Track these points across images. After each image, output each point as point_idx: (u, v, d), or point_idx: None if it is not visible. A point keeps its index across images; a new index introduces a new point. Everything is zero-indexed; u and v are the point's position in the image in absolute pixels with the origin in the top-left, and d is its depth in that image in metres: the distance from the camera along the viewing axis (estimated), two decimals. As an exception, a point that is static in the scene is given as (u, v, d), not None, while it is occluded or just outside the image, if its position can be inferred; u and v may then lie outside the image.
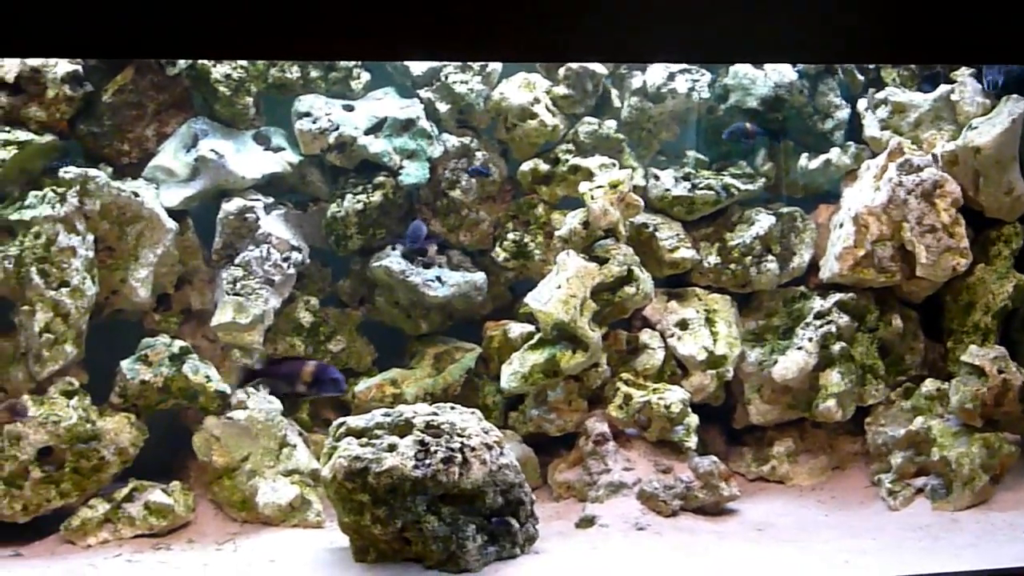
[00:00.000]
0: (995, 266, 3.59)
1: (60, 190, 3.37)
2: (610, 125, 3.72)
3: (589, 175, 3.62)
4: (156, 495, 3.30)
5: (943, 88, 3.66)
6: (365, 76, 3.68)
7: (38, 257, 3.27)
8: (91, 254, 3.37)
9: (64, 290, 3.30)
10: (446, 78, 3.66)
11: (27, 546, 3.22)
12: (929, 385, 3.56)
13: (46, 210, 3.31)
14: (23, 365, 3.32)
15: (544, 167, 3.68)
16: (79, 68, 3.46)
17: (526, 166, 3.68)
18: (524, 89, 3.65)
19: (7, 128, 3.44)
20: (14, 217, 3.31)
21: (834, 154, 3.71)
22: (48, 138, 3.44)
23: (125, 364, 3.37)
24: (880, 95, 3.76)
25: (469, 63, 3.63)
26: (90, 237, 3.38)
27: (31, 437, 3.21)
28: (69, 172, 3.38)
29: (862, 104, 3.78)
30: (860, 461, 3.69)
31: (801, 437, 3.72)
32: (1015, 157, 3.51)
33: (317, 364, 3.01)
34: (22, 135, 3.40)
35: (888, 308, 3.71)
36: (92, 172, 3.39)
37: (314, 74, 3.63)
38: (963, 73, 3.65)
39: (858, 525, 3.32)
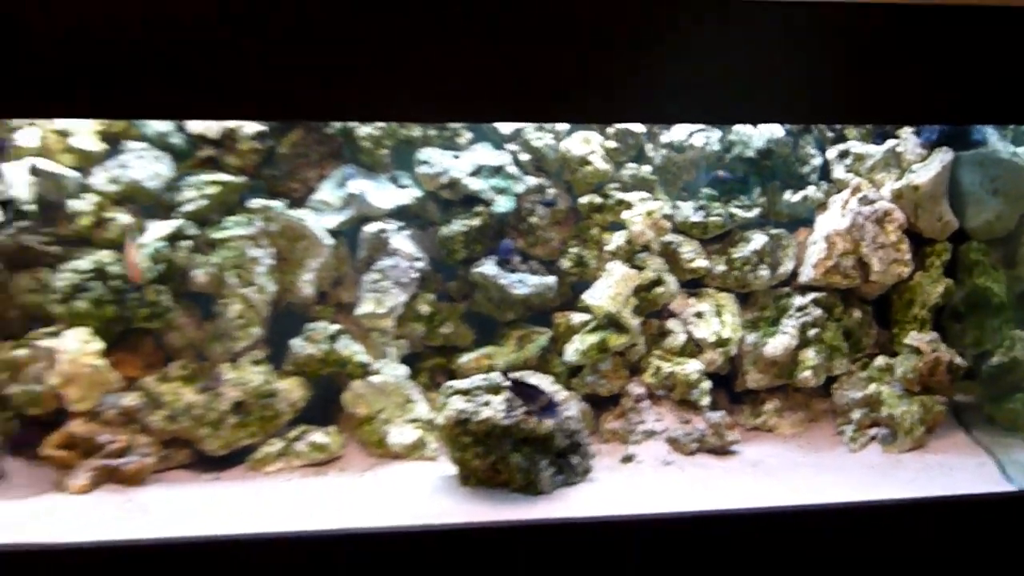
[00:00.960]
0: (930, 273, 3.64)
1: (249, 216, 3.47)
2: (646, 170, 3.76)
3: (630, 206, 3.67)
4: (317, 436, 3.41)
5: (891, 142, 3.70)
6: (468, 134, 3.71)
7: (233, 264, 3.40)
8: (271, 262, 3.48)
9: (251, 288, 3.42)
10: (526, 135, 3.70)
11: (223, 472, 3.33)
12: (880, 361, 3.63)
13: (239, 231, 3.43)
14: (222, 343, 3.43)
15: (598, 200, 3.71)
16: (264, 128, 3.53)
17: (584, 199, 3.72)
18: (583, 143, 3.68)
19: (212, 172, 3.52)
20: (216, 235, 3.43)
21: (810, 191, 3.76)
22: (241, 179, 3.53)
23: (295, 341, 3.49)
24: (844, 147, 3.80)
25: (543, 125, 3.67)
26: (270, 250, 3.49)
27: (228, 395, 3.34)
28: (255, 204, 3.49)
29: (831, 154, 3.82)
30: (828, 416, 3.72)
31: (785, 398, 3.74)
32: (945, 193, 3.57)
33: (552, 399, 3.05)
34: (223, 177, 3.50)
35: (850, 304, 3.76)
36: (272, 203, 3.50)
37: (431, 133, 3.67)
38: (906, 131, 3.69)
39: (827, 464, 3.39)
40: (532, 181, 3.74)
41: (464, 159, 3.67)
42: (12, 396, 3.24)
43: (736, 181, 3.77)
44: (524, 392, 3.12)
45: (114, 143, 3.51)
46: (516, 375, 3.20)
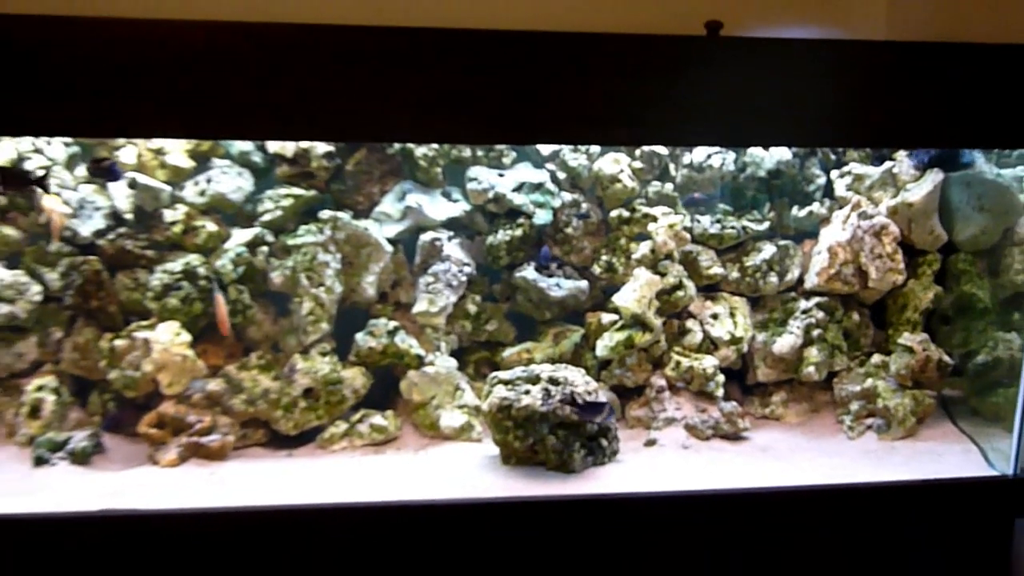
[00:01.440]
0: (921, 281, 3.64)
1: (319, 225, 3.51)
2: (668, 187, 3.78)
3: (655, 219, 3.68)
4: (377, 419, 3.45)
5: (888, 163, 3.70)
6: (512, 155, 3.73)
7: (305, 267, 3.44)
8: (338, 266, 3.52)
9: (321, 288, 3.46)
10: (563, 156, 3.71)
11: (295, 450, 3.38)
12: (876, 358, 3.64)
13: (310, 238, 3.48)
14: (295, 336, 3.47)
15: (626, 214, 3.72)
16: (332, 149, 3.56)
17: (614, 213, 3.73)
18: (613, 163, 3.69)
19: (287, 186, 3.58)
20: (290, 242, 3.48)
21: (815, 207, 3.76)
22: (312, 193, 3.58)
23: (359, 336, 3.53)
24: (846, 168, 3.78)
25: (578, 147, 3.68)
26: (338, 255, 3.53)
27: (299, 381, 3.38)
28: (325, 214, 3.54)
29: (834, 174, 3.80)
30: (830, 407, 3.71)
31: (791, 390, 3.74)
32: (935, 210, 3.57)
33: (610, 408, 3.09)
34: (296, 191, 3.56)
35: (849, 307, 3.76)
36: (339, 214, 3.54)
37: (479, 153, 3.69)
38: (901, 154, 3.69)
39: (829, 449, 3.40)
40: (568, 197, 3.77)
41: (508, 177, 3.70)
42: (112, 381, 3.34)
43: (708, 201, 3.75)
44: (591, 406, 3.15)
45: (202, 160, 3.60)
46: (588, 396, 3.21)
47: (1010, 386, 3.28)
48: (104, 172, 3.29)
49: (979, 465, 3.18)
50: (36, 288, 3.39)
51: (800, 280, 3.82)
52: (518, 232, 3.69)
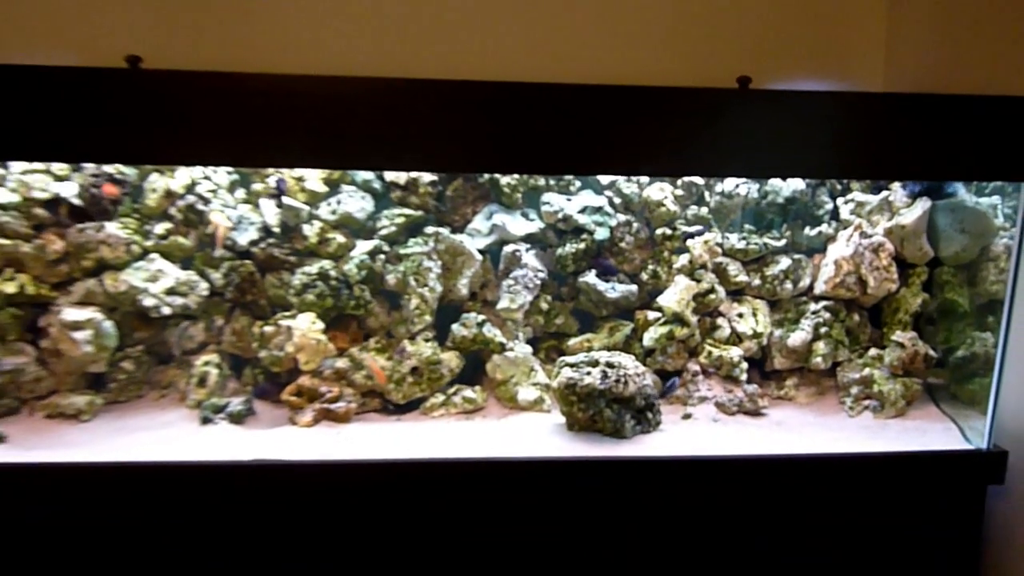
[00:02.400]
0: (911, 289, 3.66)
1: (424, 239, 3.63)
2: (704, 210, 3.81)
3: (692, 236, 3.74)
4: (468, 392, 3.53)
5: (884, 192, 3.73)
6: (577, 183, 3.75)
7: (413, 272, 3.55)
8: (439, 271, 3.60)
9: (425, 289, 3.57)
10: (618, 185, 3.76)
11: (403, 416, 3.46)
12: (873, 351, 3.66)
13: (418, 248, 3.59)
14: (404, 325, 3.59)
15: (669, 232, 3.76)
16: (435, 178, 3.66)
17: (659, 231, 3.76)
18: (659, 191, 3.75)
19: (400, 208, 3.69)
20: (402, 251, 3.58)
21: (823, 227, 3.79)
22: (419, 213, 3.69)
23: (454, 326, 3.62)
24: (850, 196, 3.81)
25: (631, 177, 3.73)
26: (439, 262, 3.62)
27: (407, 362, 3.48)
28: (429, 230, 3.66)
29: (840, 200, 3.82)
30: (833, 391, 3.72)
31: (802, 377, 3.77)
32: (924, 231, 3.59)
33: (677, 382, 3.22)
34: (408, 211, 3.68)
35: (851, 310, 3.78)
36: (441, 230, 3.65)
37: (552, 182, 3.74)
38: (895, 185, 3.72)
39: (832, 425, 3.43)
40: (622, 217, 3.80)
41: (574, 201, 3.73)
42: (262, 358, 3.50)
43: (701, 232, 3.78)
44: (669, 387, 3.37)
45: (333, 186, 3.68)
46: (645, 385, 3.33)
47: (984, 376, 3.31)
48: (273, 191, 3.54)
49: (957, 440, 3.20)
50: (203, 285, 3.51)
51: (810, 287, 3.82)
52: (582, 246, 3.72)
